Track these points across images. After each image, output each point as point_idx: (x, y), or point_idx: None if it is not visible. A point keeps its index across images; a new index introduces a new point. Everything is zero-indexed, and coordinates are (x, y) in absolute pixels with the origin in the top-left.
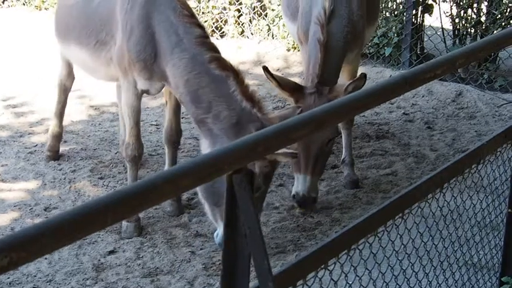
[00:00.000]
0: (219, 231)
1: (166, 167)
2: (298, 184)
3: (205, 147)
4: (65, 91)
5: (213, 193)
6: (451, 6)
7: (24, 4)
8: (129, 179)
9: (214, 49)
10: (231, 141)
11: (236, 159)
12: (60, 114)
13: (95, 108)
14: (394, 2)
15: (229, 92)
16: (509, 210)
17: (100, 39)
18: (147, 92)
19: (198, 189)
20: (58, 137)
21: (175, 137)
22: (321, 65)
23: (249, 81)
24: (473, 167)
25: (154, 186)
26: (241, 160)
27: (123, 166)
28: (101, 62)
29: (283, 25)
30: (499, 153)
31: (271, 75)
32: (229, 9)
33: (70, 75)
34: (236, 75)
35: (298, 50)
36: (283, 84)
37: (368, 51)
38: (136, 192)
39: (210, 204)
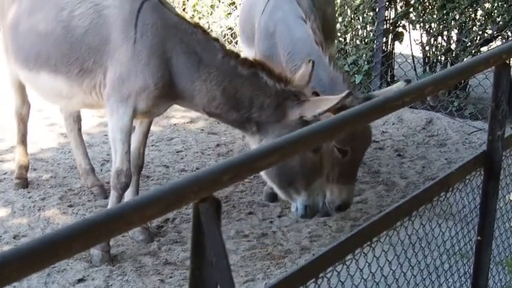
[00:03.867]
0: (297, 205)
1: (130, 194)
2: (345, 194)
3: (256, 142)
4: (22, 119)
5: (280, 175)
6: (421, 34)
7: None
8: (111, 206)
9: (235, 54)
10: (281, 124)
11: (202, 187)
12: (23, 142)
13: (65, 136)
14: (365, 30)
15: (263, 82)
16: (479, 237)
17: (85, 67)
18: (144, 115)
19: (263, 174)
20: (24, 166)
21: (142, 162)
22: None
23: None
24: (442, 194)
25: (121, 215)
26: (207, 189)
27: (92, 194)
28: (80, 89)
29: None
30: (468, 180)
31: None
32: None
33: (25, 103)
34: (262, 66)
35: None
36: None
37: None
38: (104, 221)
39: (281, 185)
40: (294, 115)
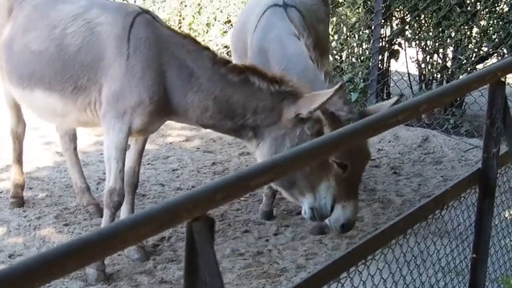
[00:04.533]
0: (305, 208)
1: (125, 212)
2: (348, 212)
3: (254, 147)
4: (18, 138)
5: (284, 179)
6: (417, 52)
7: None
8: (104, 225)
9: (225, 61)
10: (278, 126)
11: (195, 206)
12: (18, 161)
13: (60, 155)
14: (360, 48)
15: (255, 87)
16: (474, 255)
17: (79, 85)
18: (139, 133)
19: None
20: (20, 184)
21: (136, 180)
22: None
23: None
24: (437, 212)
25: (116, 234)
26: (200, 207)
27: (88, 213)
28: (75, 107)
29: None
30: (463, 198)
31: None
32: None
33: (21, 122)
34: (253, 71)
35: None
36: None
37: None
38: (98, 239)
39: (286, 189)
40: (289, 114)
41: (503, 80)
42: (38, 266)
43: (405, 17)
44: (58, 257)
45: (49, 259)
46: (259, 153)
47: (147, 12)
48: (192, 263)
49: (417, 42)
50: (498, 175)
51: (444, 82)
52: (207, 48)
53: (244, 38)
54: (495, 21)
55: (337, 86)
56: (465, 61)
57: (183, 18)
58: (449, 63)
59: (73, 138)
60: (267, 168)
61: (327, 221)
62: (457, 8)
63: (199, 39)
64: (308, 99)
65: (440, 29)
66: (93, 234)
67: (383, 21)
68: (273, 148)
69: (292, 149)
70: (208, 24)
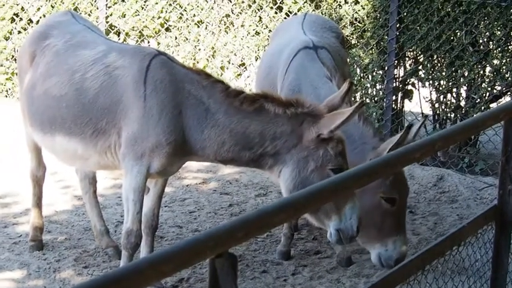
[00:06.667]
0: (330, 230)
1: (144, 254)
2: (399, 245)
3: (276, 175)
4: (38, 182)
5: None
6: (431, 92)
7: (6, 96)
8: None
9: (237, 93)
10: (299, 148)
11: (217, 244)
12: (38, 205)
13: (79, 199)
14: (374, 88)
15: (271, 114)
16: None
17: (99, 128)
18: (159, 174)
19: None
20: (39, 228)
21: (156, 223)
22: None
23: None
24: (454, 249)
25: (138, 271)
26: (222, 245)
27: (107, 255)
28: (95, 150)
29: None
30: (479, 234)
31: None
32: None
33: (41, 166)
34: (266, 98)
35: None
36: None
37: None
38: (120, 277)
39: (312, 213)
40: (311, 135)
41: None
42: None
43: (418, 57)
44: None
45: None
46: (283, 179)
47: (163, 54)
48: None
49: (431, 82)
50: None
51: (458, 121)
52: (220, 81)
53: (272, 82)
54: (508, 59)
55: (356, 104)
56: (479, 100)
57: (197, 62)
58: (463, 103)
59: (93, 181)
60: (286, 205)
61: (376, 260)
62: (470, 48)
63: None
64: (329, 119)
65: (453, 69)
66: (114, 271)
67: (396, 61)
68: (296, 171)
69: (311, 186)
70: (222, 68)
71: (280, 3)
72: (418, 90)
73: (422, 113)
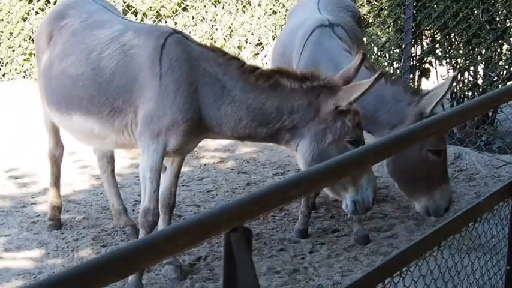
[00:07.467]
0: (346, 201)
1: None
2: (447, 192)
3: (294, 149)
4: (56, 161)
5: None
6: (448, 70)
7: (24, 77)
8: None
9: (253, 69)
10: (317, 121)
11: (232, 218)
12: (55, 184)
13: (97, 178)
14: (391, 67)
15: (287, 89)
16: (508, 267)
17: (115, 107)
18: (175, 153)
19: None
20: (57, 207)
21: (173, 201)
22: None
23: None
24: (470, 225)
25: (154, 245)
26: (236, 218)
27: (125, 234)
28: (112, 130)
29: None
30: (496, 211)
31: None
32: None
33: (59, 145)
34: (281, 73)
35: None
36: None
37: None
38: (137, 251)
39: (327, 188)
40: (328, 107)
41: None
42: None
43: (435, 36)
44: (94, 269)
45: (84, 272)
46: (300, 153)
47: (178, 32)
48: (230, 273)
49: (448, 60)
50: None
51: None
52: (236, 58)
53: (288, 61)
54: None
55: (375, 76)
56: (496, 78)
57: (215, 42)
58: (480, 81)
59: (110, 160)
60: (301, 179)
61: (423, 211)
62: (487, 26)
63: None
64: (347, 91)
65: (470, 47)
66: (131, 244)
67: (413, 40)
68: (314, 144)
69: (326, 161)
70: (239, 47)
71: None
72: (435, 68)
73: None
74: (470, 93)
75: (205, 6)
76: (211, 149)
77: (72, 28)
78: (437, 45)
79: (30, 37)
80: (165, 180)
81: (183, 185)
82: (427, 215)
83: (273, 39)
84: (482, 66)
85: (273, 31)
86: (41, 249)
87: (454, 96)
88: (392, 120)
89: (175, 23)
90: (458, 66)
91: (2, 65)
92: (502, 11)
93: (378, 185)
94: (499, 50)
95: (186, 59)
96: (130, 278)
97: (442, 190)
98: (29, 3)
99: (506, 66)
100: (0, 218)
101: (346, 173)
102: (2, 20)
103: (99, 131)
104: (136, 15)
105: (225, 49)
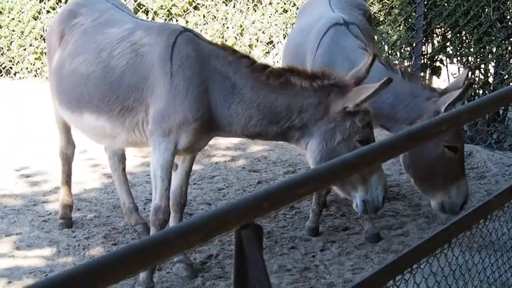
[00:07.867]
0: (356, 201)
1: None
2: (464, 188)
3: (303, 147)
4: (67, 160)
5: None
6: (459, 68)
7: (35, 76)
8: None
9: (263, 67)
10: (326, 120)
11: (243, 214)
12: (67, 183)
13: (108, 176)
14: (402, 65)
15: (297, 88)
16: None
17: (126, 106)
18: (186, 151)
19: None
20: (69, 206)
21: (184, 200)
22: None
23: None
24: (481, 222)
25: (165, 241)
26: (247, 215)
27: (136, 232)
28: (123, 128)
29: None
30: (506, 208)
31: None
32: None
33: (70, 144)
34: (292, 72)
35: None
36: None
37: None
38: (147, 247)
39: (339, 184)
40: (337, 106)
41: None
42: (90, 273)
43: (446, 34)
44: (105, 265)
45: (95, 269)
46: (310, 151)
47: (189, 30)
48: (241, 270)
49: (458, 58)
50: None
51: None
52: (246, 57)
53: (301, 60)
54: None
55: (383, 81)
56: (507, 76)
57: (226, 40)
58: (491, 79)
59: (122, 158)
60: (311, 177)
61: (438, 208)
62: (498, 24)
63: None
64: (356, 92)
65: (481, 45)
66: (142, 241)
67: (424, 38)
68: (323, 143)
69: (337, 158)
70: (250, 46)
71: None
72: (446, 66)
73: None
74: (481, 91)
75: (216, 4)
76: (222, 148)
77: (84, 27)
78: (448, 44)
79: (42, 36)
80: (176, 178)
81: (194, 184)
82: (442, 211)
83: (284, 38)
84: (493, 64)
85: (284, 29)
86: (52, 248)
87: None
88: (410, 116)
89: (187, 22)
90: (469, 64)
91: (13, 64)
92: None
93: (389, 183)
94: (509, 48)
95: (196, 57)
96: (141, 276)
97: (458, 187)
98: (40, 2)
99: None
100: (12, 217)
101: (355, 171)
102: (14, 19)
103: (110, 130)
104: (147, 14)
105: (236, 48)
